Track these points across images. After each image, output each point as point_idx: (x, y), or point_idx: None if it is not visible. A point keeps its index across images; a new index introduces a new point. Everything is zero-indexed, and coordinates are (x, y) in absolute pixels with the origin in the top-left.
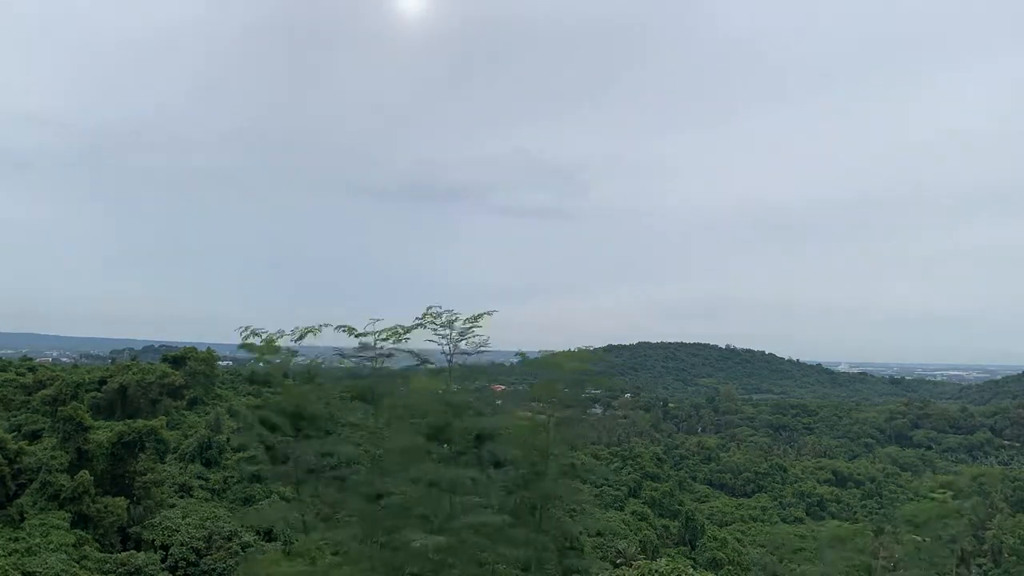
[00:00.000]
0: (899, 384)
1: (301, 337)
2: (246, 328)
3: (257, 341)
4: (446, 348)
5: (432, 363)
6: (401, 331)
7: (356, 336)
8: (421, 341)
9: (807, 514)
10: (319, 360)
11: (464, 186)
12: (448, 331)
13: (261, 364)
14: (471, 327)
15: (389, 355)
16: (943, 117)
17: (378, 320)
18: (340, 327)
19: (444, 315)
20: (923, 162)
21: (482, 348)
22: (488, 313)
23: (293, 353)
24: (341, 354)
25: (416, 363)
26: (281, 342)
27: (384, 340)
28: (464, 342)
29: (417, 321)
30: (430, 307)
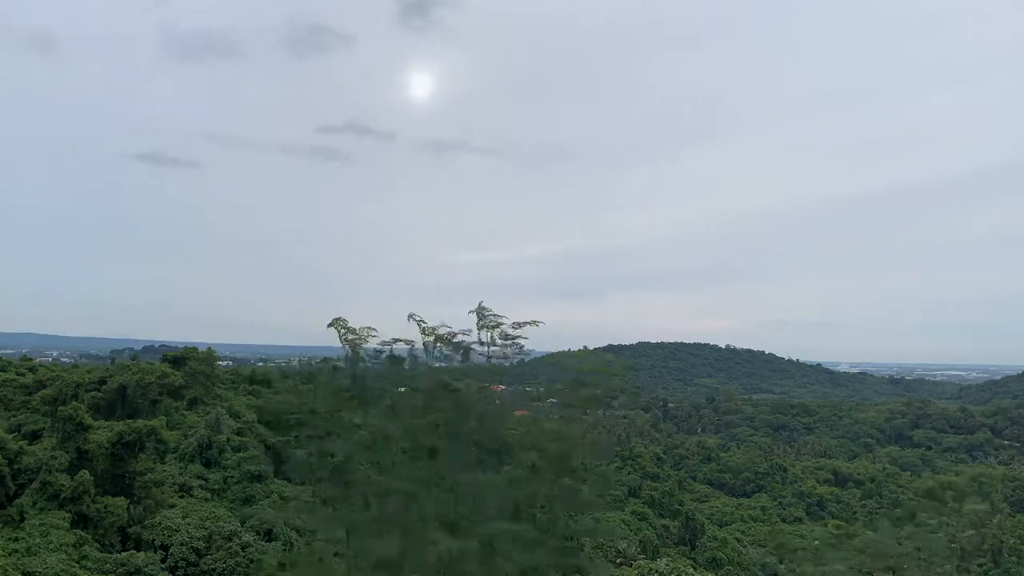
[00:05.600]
0: (899, 384)
1: (394, 341)
2: (341, 321)
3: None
4: (487, 348)
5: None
6: (467, 339)
7: (423, 333)
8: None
9: (807, 514)
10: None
11: None
12: (491, 332)
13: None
14: (516, 334)
15: (448, 354)
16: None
17: (445, 326)
18: (415, 320)
19: (491, 317)
20: (920, 159)
21: (522, 355)
22: (536, 323)
23: (378, 353)
24: (413, 354)
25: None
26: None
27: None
28: (508, 346)
29: (474, 320)
30: (480, 304)
